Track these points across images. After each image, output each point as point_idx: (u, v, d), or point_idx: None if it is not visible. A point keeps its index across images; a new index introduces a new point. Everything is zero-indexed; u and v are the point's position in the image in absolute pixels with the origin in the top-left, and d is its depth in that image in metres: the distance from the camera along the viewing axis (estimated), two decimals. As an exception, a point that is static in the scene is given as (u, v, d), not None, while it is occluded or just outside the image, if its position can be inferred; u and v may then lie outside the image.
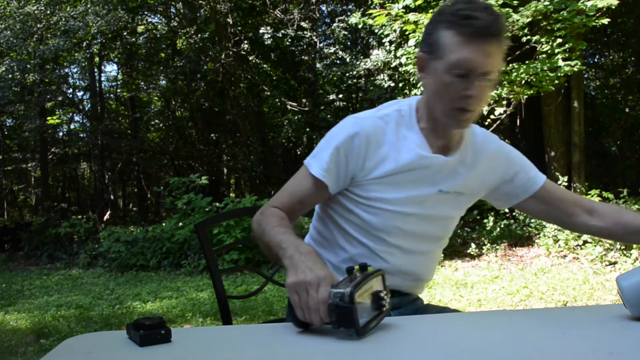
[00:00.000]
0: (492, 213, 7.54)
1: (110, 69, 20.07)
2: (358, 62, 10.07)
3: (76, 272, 7.66)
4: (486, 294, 4.91)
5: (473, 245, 7.06)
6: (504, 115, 7.11)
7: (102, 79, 15.27)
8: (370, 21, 7.07)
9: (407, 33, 6.80)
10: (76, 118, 14.89)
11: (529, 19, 5.95)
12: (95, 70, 14.17)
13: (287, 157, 15.21)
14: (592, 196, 6.63)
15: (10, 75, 9.75)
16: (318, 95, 11.82)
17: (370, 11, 6.97)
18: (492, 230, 7.24)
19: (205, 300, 5.05)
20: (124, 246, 7.74)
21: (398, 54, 7.61)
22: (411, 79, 7.75)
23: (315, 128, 11.37)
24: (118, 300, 5.34)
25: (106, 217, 12.68)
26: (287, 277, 1.00)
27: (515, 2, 5.98)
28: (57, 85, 11.59)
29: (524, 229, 7.24)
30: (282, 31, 11.00)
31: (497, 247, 6.96)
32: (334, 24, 10.81)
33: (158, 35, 13.69)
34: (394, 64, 8.39)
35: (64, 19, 9.84)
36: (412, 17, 6.29)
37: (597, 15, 5.82)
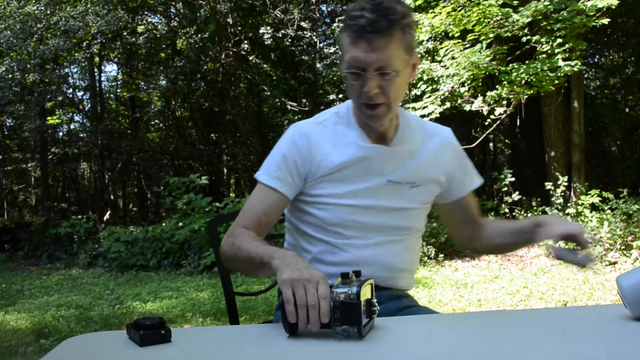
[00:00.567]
0: (492, 213, 7.54)
1: (110, 69, 20.07)
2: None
3: (76, 272, 7.66)
4: (486, 294, 4.91)
5: (473, 245, 7.06)
6: (504, 115, 7.11)
7: (102, 79, 15.27)
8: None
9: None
10: (76, 118, 14.89)
11: (529, 19, 5.95)
12: (95, 70, 14.16)
13: (287, 157, 15.17)
14: (592, 196, 6.63)
15: (10, 75, 9.74)
16: (318, 95, 11.82)
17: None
18: (492, 230, 7.23)
19: (205, 300, 5.05)
20: (124, 246, 7.74)
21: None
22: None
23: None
24: (118, 300, 5.34)
25: (106, 217, 12.68)
26: (280, 274, 0.99)
27: (515, 2, 5.98)
28: (57, 85, 11.58)
29: (524, 229, 7.23)
30: (282, 31, 11.00)
31: (497, 247, 6.95)
32: (334, 24, 10.80)
33: (158, 35, 13.69)
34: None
35: (64, 19, 9.84)
36: (412, 17, 6.29)
37: (597, 15, 5.82)
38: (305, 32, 11.06)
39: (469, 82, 6.58)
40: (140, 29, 12.98)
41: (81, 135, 13.91)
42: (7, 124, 14.24)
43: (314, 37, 11.41)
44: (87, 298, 5.50)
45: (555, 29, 5.90)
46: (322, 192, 1.32)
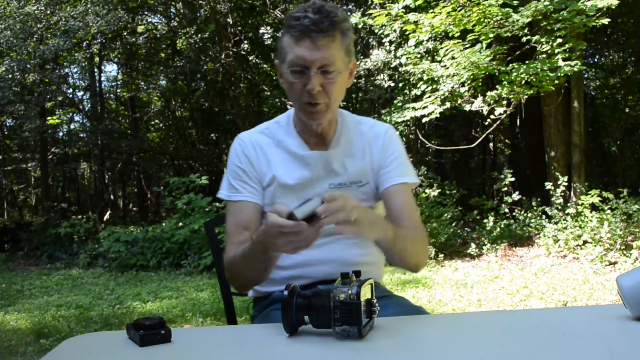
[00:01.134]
0: (492, 213, 7.54)
1: (110, 69, 20.04)
2: (358, 62, 10.07)
3: (76, 272, 7.66)
4: (486, 294, 4.90)
5: (473, 245, 7.06)
6: (504, 115, 7.11)
7: (102, 79, 15.26)
8: (370, 21, 7.06)
9: (407, 33, 6.81)
10: (76, 118, 14.90)
11: (529, 19, 5.95)
12: (95, 70, 14.15)
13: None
14: (592, 196, 6.63)
15: (10, 75, 9.74)
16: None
17: (370, 11, 6.97)
18: (492, 230, 7.24)
19: (205, 300, 5.05)
20: (124, 246, 7.74)
21: (398, 54, 7.62)
22: (411, 79, 7.75)
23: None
24: (118, 300, 5.34)
25: (106, 217, 12.68)
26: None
27: (515, 2, 5.98)
28: (57, 85, 11.58)
29: (524, 229, 7.24)
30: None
31: (497, 247, 6.96)
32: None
33: (158, 35, 13.69)
34: (394, 64, 8.40)
35: (64, 19, 9.84)
36: (412, 17, 6.30)
37: (597, 15, 5.82)
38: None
39: (469, 82, 6.58)
40: (140, 29, 12.99)
41: (81, 135, 13.92)
42: (7, 124, 14.24)
43: (314, 37, 11.39)
44: (87, 298, 5.50)
45: (555, 29, 5.89)
46: (269, 201, 1.37)
